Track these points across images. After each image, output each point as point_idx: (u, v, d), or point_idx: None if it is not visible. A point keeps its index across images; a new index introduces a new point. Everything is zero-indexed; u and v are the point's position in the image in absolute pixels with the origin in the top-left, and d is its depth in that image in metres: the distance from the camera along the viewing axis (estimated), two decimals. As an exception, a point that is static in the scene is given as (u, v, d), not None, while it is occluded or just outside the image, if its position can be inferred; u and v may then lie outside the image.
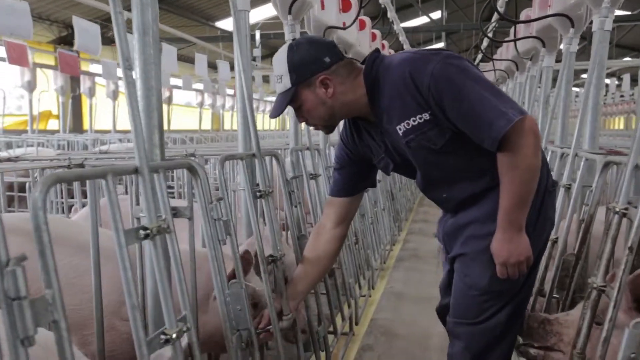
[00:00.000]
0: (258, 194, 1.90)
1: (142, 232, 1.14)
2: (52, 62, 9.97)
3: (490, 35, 6.40)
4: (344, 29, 3.27)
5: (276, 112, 1.61)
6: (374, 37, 4.90)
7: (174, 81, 10.87)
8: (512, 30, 4.97)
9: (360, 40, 4.35)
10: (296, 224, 2.16)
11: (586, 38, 3.19)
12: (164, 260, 1.19)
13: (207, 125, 14.37)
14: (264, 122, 15.34)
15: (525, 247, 1.48)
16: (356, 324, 3.06)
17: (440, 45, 15.81)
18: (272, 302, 1.77)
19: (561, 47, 3.10)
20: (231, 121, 15.34)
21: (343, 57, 1.59)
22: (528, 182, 1.43)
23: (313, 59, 1.54)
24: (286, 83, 1.57)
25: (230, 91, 12.08)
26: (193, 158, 3.16)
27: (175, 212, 1.35)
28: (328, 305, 2.53)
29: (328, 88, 1.55)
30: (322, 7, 3.15)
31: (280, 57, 1.58)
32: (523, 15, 4.16)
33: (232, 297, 1.56)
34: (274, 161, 2.13)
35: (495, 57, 5.72)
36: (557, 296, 2.16)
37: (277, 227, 1.95)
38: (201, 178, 1.46)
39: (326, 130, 1.70)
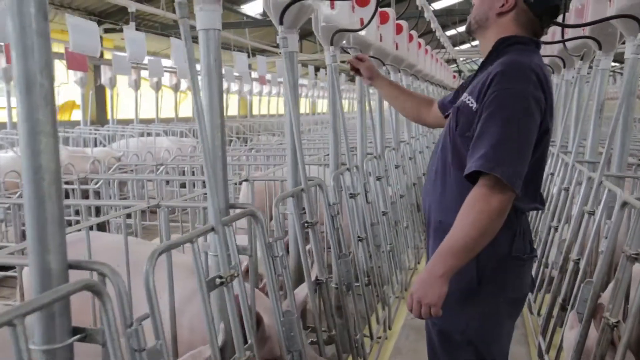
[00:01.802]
0: (306, 225, 2.20)
1: (218, 280, 1.52)
2: (74, 51, 9.79)
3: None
4: (358, 30, 2.79)
5: None
6: (399, 29, 4.36)
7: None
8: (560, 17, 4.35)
9: (383, 36, 3.85)
10: (337, 245, 2.44)
11: None
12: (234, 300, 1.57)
13: (233, 110, 14.11)
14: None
15: (434, 295, 1.42)
16: (389, 327, 3.17)
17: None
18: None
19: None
20: (259, 106, 15.06)
21: (541, 18, 1.58)
22: (479, 231, 1.38)
23: None
24: None
25: (255, 74, 11.70)
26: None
27: (239, 250, 1.62)
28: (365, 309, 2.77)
29: (505, 5, 1.56)
30: (332, 6, 2.68)
31: None
32: (574, 8, 3.56)
33: (286, 325, 1.86)
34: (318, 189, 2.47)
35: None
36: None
37: (322, 253, 2.22)
38: (261, 223, 1.76)
39: (467, 27, 1.68)
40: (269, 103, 15.56)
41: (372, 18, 2.80)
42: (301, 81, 14.83)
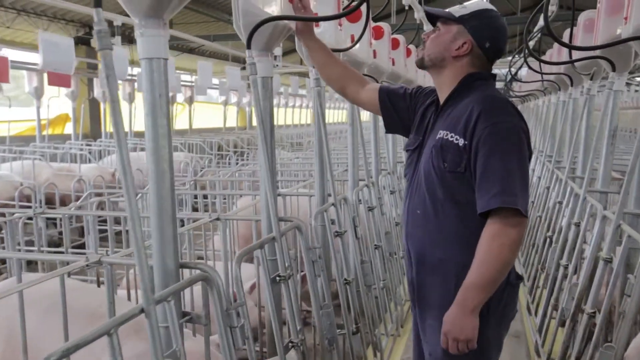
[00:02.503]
0: (278, 279, 1.91)
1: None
2: (67, 64, 9.59)
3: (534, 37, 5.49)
4: (346, 49, 2.54)
5: (432, 13, 1.74)
6: (395, 44, 4.11)
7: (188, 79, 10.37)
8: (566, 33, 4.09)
9: (378, 52, 3.60)
10: (320, 295, 2.19)
11: None
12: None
13: (232, 122, 13.87)
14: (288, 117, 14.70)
15: (470, 329, 1.51)
16: (401, 326, 3.31)
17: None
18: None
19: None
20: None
21: (492, 63, 1.71)
22: (503, 263, 1.49)
23: (487, 31, 1.66)
24: (459, 12, 1.67)
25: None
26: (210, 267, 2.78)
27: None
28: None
29: (461, 48, 1.66)
30: (316, 24, 2.43)
31: (483, 3, 1.72)
32: (582, 22, 3.30)
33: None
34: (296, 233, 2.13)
35: (543, 58, 4.81)
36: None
37: (298, 313, 2.00)
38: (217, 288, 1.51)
39: (419, 62, 1.77)
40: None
41: (362, 35, 2.55)
42: (301, 91, 14.63)
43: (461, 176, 1.58)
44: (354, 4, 1.76)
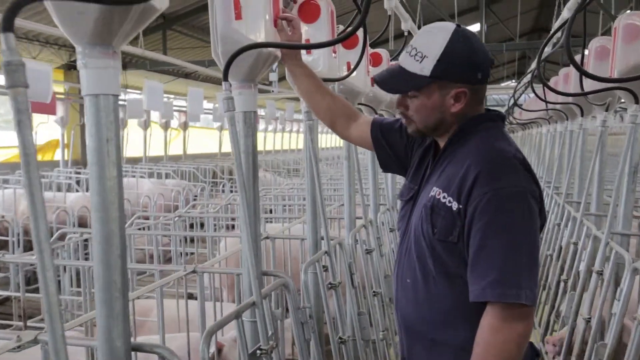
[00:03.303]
0: (259, 353, 1.62)
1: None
2: (60, 90, 9.40)
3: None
4: (342, 79, 2.30)
5: (392, 89, 1.43)
6: (377, 60, 3.71)
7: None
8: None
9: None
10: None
11: None
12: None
13: (227, 147, 13.64)
14: (287, 141, 14.50)
15: None
16: None
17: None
18: None
19: None
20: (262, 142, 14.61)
21: (487, 79, 1.40)
22: None
23: (470, 66, 1.34)
24: (425, 67, 1.33)
25: (261, 111, 11.34)
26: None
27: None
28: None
29: (458, 102, 1.36)
30: (308, 52, 2.20)
31: (438, 36, 1.33)
32: (594, 48, 3.09)
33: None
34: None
35: (549, 83, 4.60)
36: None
37: None
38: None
39: (417, 133, 1.46)
40: (265, 140, 15.15)
41: (359, 63, 2.32)
42: (296, 116, 14.47)
43: (453, 247, 1.30)
44: (350, 29, 1.50)
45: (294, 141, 15.45)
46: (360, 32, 2.43)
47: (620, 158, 2.54)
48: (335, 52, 2.33)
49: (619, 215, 2.54)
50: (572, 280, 3.12)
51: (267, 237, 2.74)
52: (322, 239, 2.30)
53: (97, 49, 1.04)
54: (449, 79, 1.34)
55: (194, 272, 2.16)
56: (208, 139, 13.88)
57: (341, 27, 2.71)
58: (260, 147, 14.61)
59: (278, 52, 1.69)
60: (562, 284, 3.31)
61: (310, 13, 2.15)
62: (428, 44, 1.34)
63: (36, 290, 3.60)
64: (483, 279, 1.22)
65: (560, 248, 3.58)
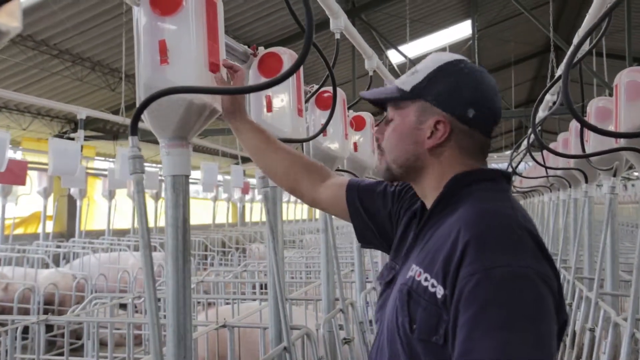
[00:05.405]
0: None
1: None
2: (46, 160, 9.22)
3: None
4: (305, 141, 2.01)
5: (371, 94, 1.17)
6: (360, 124, 3.25)
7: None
8: (571, 125, 3.64)
9: (360, 145, 3.12)
10: None
11: None
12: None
13: (222, 218, 13.27)
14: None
15: None
16: None
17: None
18: None
19: None
20: (251, 213, 14.26)
21: (490, 133, 1.10)
22: None
23: (461, 95, 1.06)
24: (409, 82, 1.10)
25: (252, 180, 11.13)
26: None
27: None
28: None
29: (435, 133, 1.07)
30: (269, 109, 1.92)
31: (442, 57, 1.11)
32: (593, 108, 2.85)
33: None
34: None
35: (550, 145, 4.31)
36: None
37: None
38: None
39: (387, 173, 1.16)
40: (262, 210, 14.86)
41: (327, 125, 2.03)
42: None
43: (439, 351, 0.95)
44: (283, 72, 1.19)
45: (294, 212, 15.15)
46: (338, 93, 2.19)
47: (627, 227, 2.18)
48: (301, 112, 2.04)
49: (630, 297, 2.15)
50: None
51: (223, 326, 2.33)
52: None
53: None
54: (428, 97, 1.08)
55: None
56: (200, 208, 13.61)
57: (315, 86, 2.48)
58: (256, 218, 14.27)
59: (218, 104, 1.40)
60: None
61: (270, 67, 1.90)
62: (427, 62, 1.13)
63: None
64: None
65: (574, 334, 3.11)
